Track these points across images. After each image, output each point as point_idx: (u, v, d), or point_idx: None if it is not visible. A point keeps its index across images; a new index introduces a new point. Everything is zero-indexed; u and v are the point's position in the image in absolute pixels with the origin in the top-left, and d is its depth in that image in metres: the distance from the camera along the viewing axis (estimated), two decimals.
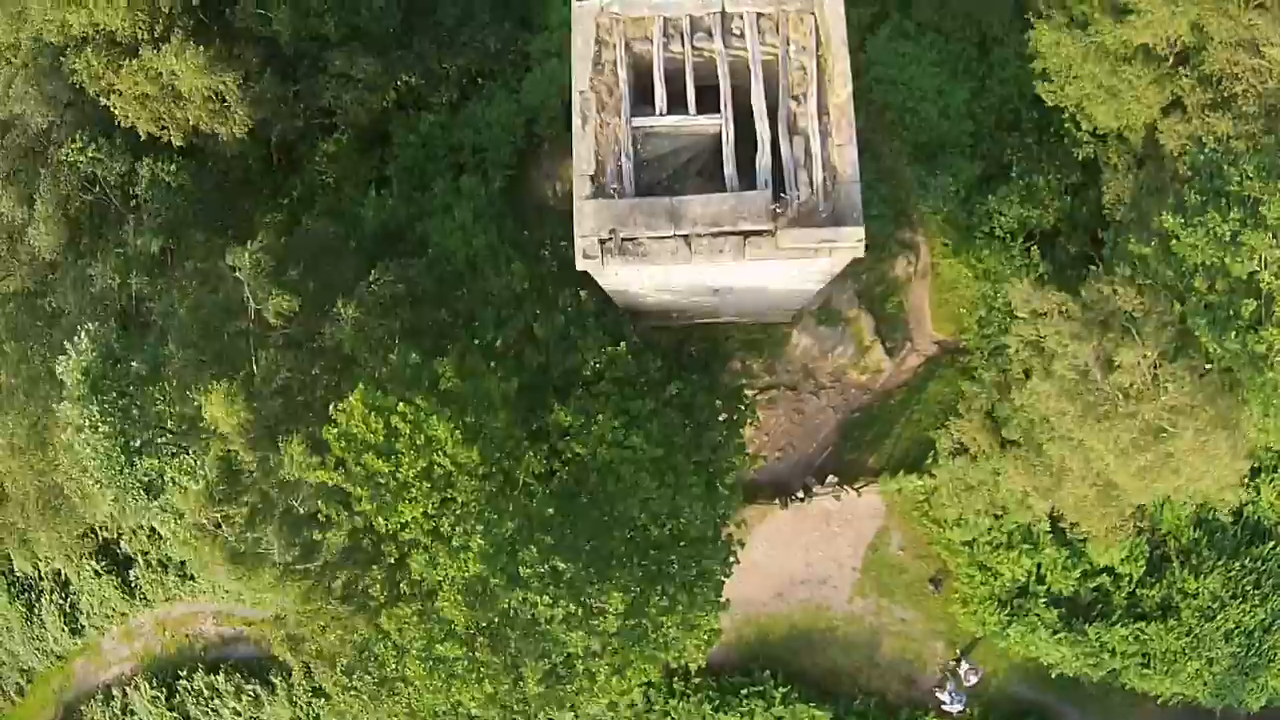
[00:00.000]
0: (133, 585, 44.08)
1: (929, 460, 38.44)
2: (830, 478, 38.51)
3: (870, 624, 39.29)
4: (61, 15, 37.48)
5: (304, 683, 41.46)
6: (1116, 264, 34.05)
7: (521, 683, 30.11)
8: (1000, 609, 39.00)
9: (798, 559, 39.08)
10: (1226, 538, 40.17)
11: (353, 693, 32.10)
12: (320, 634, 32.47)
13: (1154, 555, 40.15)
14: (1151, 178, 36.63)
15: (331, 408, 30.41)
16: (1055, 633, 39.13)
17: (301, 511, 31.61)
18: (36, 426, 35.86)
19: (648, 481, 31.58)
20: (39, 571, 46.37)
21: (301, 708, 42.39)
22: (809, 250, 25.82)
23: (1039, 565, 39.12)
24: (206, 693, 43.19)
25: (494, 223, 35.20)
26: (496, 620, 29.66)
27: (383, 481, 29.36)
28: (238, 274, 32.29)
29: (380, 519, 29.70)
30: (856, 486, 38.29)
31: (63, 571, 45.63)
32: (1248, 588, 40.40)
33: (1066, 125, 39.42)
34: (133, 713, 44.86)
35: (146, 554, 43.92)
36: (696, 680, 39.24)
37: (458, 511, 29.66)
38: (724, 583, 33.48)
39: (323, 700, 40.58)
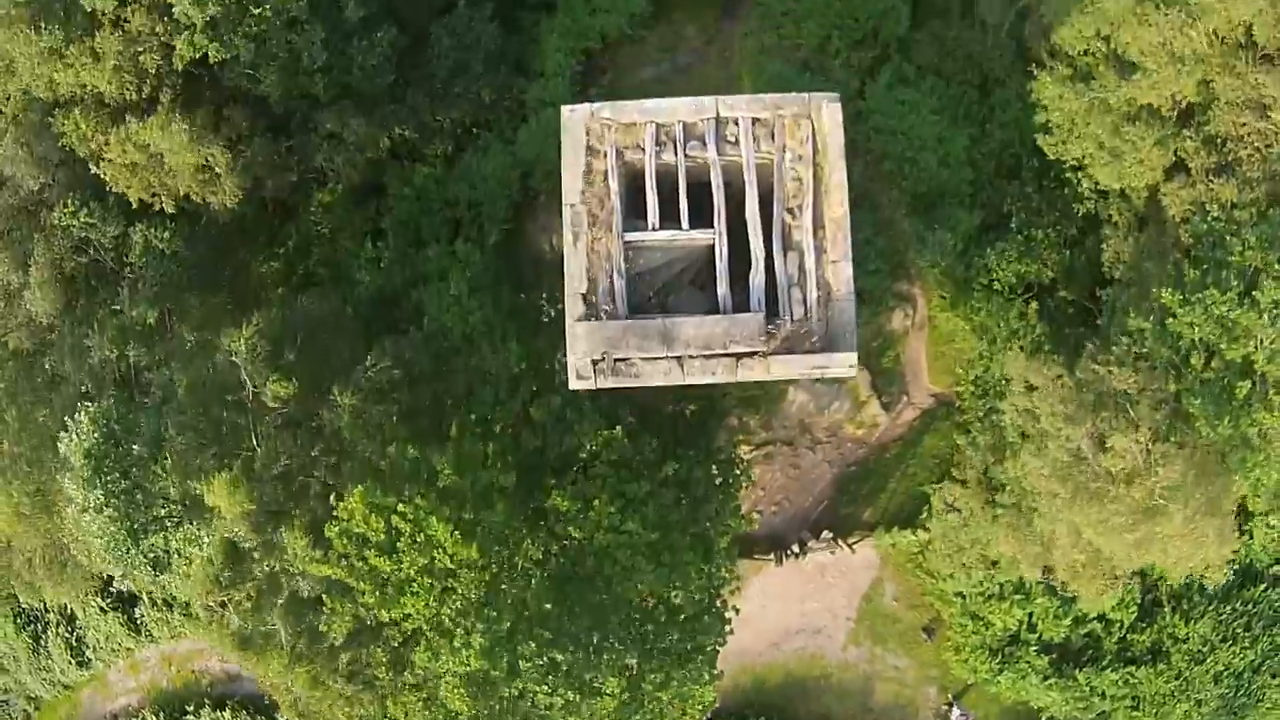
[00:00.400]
0: (138, 622, 45.69)
1: (923, 515, 39.67)
2: (825, 533, 39.78)
3: (864, 671, 40.92)
4: (49, 72, 37.80)
5: None
6: (1114, 339, 34.81)
7: None
8: (991, 657, 40.57)
9: (793, 609, 40.55)
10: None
11: None
12: (329, 710, 34.05)
13: (1145, 600, 41.57)
14: (1153, 242, 37.13)
15: (332, 497, 31.67)
16: (1046, 679, 40.74)
17: (307, 595, 33.02)
18: (41, 493, 37.10)
19: (644, 564, 32.87)
20: (45, 604, 47.98)
21: None
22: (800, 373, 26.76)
23: (1030, 614, 40.58)
24: None
25: (490, 293, 35.89)
26: (498, 708, 31.22)
27: (385, 577, 30.69)
28: (234, 359, 33.21)
29: (383, 611, 31.08)
30: (851, 542, 39.61)
31: (68, 606, 47.24)
32: (1238, 630, 41.92)
33: (1068, 175, 39.84)
34: None
35: (151, 592, 45.44)
36: None
37: (458, 603, 31.02)
38: (718, 653, 34.98)
39: None
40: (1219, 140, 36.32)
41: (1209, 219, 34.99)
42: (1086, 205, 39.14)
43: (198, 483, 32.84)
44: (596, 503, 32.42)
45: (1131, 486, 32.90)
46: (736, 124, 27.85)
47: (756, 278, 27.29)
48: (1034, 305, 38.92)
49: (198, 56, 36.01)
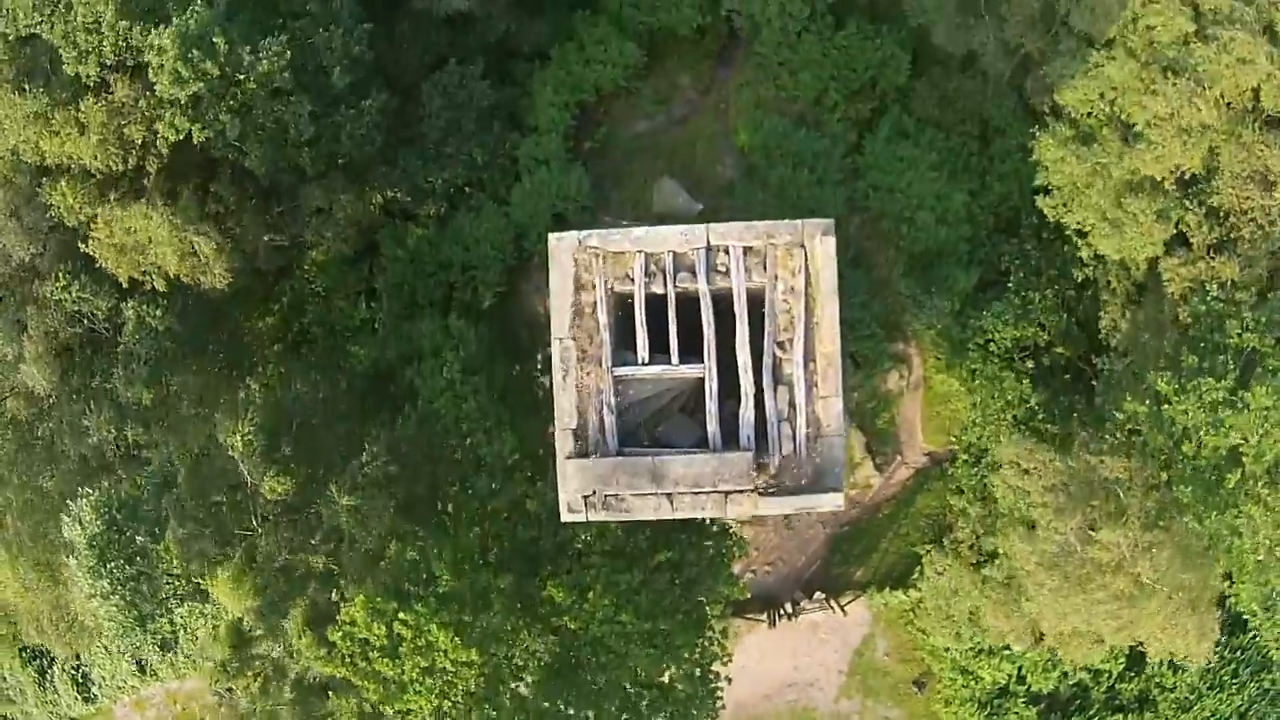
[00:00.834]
0: (143, 663, 47.76)
1: (915, 575, 41.29)
2: (818, 594, 41.45)
3: None
4: (35, 137, 38.32)
5: None
6: (1108, 427, 35.91)
7: None
8: (981, 710, 42.55)
9: (786, 664, 42.43)
10: None
11: None
12: None
13: (1134, 650, 43.42)
14: (1150, 317, 37.93)
15: (334, 594, 33.37)
16: None
17: (312, 681, 34.90)
18: (47, 566, 38.75)
19: (638, 651, 34.61)
20: None
21: None
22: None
23: (1020, 668, 42.49)
24: None
25: (484, 375, 36.86)
26: None
27: (389, 677, 32.49)
28: (230, 453, 34.51)
29: (387, 706, 32.97)
30: (843, 603, 41.28)
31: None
32: (1225, 678, 43.87)
33: (1068, 233, 40.49)
34: None
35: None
36: None
37: (459, 698, 32.87)
38: None
39: None
40: (1221, 213, 36.84)
41: (1208, 298, 35.58)
42: (1085, 271, 39.86)
43: (200, 567, 34.46)
44: (591, 594, 33.99)
45: (1117, 575, 34.44)
46: (727, 253, 28.58)
47: (746, 413, 28.30)
48: (1028, 382, 39.71)
49: (181, 138, 36.56)
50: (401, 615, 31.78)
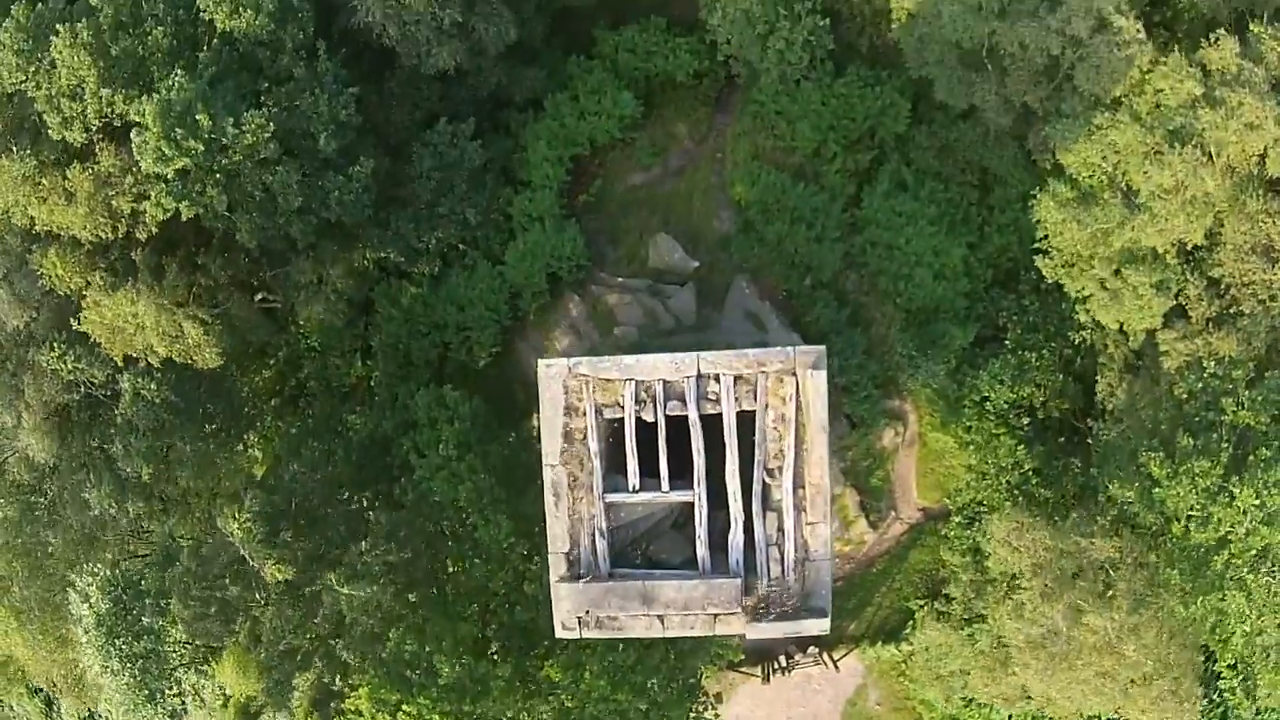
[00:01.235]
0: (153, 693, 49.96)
1: (907, 629, 43.04)
2: (811, 648, 43.21)
3: None
4: (25, 200, 39.05)
5: None
6: (1100, 496, 37.20)
7: None
8: None
9: (779, 714, 44.39)
10: None
11: None
12: None
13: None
14: (1147, 388, 38.89)
15: (338, 678, 35.24)
16: None
17: None
18: (56, 631, 40.57)
19: None
20: None
21: None
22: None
23: (1010, 716, 44.49)
24: None
25: (479, 453, 38.04)
26: None
27: None
28: (230, 539, 36.07)
29: None
30: (836, 658, 43.10)
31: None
32: None
33: (1066, 290, 41.27)
34: None
35: None
36: None
37: None
38: None
39: None
40: (1222, 285, 37.53)
41: (1205, 374, 36.46)
42: (1083, 335, 40.70)
43: (205, 644, 36.31)
44: (587, 674, 35.79)
45: (1103, 655, 36.16)
46: (718, 380, 29.64)
47: (735, 538, 29.63)
48: (1023, 448, 40.78)
49: (168, 216, 37.26)
50: (405, 707, 33.61)
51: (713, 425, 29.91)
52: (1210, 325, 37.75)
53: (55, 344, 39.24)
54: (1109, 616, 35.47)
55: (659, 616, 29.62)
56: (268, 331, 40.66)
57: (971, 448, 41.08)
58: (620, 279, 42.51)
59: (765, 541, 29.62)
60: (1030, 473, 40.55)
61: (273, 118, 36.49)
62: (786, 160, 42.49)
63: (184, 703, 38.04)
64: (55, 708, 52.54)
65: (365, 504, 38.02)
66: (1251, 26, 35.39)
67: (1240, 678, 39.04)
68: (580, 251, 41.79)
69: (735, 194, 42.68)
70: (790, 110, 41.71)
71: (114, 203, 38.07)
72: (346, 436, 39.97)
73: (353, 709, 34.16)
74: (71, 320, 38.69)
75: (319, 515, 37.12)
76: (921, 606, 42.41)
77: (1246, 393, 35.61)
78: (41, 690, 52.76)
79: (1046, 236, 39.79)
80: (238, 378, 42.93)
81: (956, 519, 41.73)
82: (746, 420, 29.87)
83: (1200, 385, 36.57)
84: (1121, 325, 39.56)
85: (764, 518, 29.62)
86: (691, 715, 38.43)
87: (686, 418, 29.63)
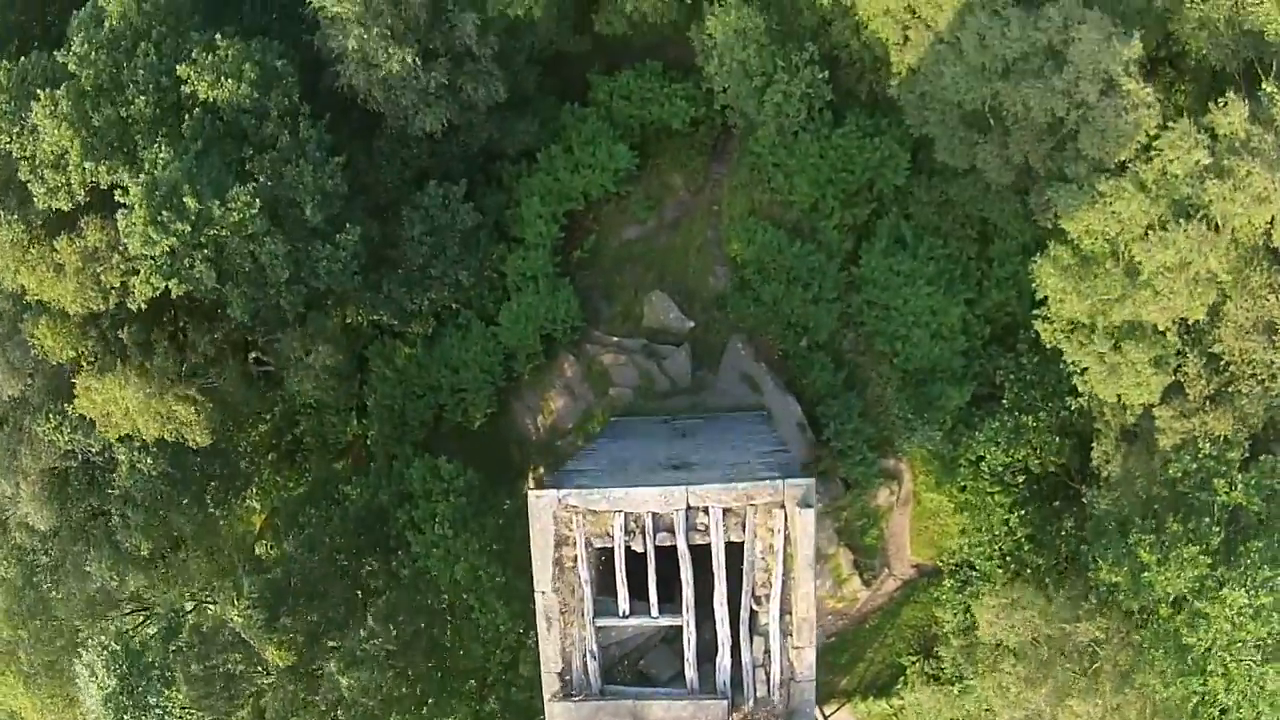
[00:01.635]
0: None
1: (899, 684, 44.75)
2: None
3: None
4: (15, 267, 39.77)
5: None
6: (1089, 573, 38.36)
7: None
8: None
9: None
10: None
11: None
12: None
13: None
14: (1141, 462, 39.79)
15: None
16: None
17: None
18: (66, 697, 42.42)
19: None
20: None
21: None
22: None
23: None
24: None
25: (475, 531, 39.27)
26: None
27: None
28: (230, 625, 37.63)
29: None
30: (828, 714, 44.93)
31: None
32: None
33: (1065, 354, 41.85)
34: None
35: None
36: None
37: None
38: None
39: None
40: (1222, 363, 38.05)
41: (1199, 455, 37.37)
42: (1080, 402, 41.42)
43: None
44: None
45: None
46: (707, 512, 30.73)
47: (722, 660, 30.96)
48: (1015, 516, 41.82)
49: (157, 295, 37.93)
50: None
51: (701, 549, 31.06)
52: (1208, 403, 38.32)
53: (51, 414, 40.28)
54: (1094, 701, 36.99)
55: None
56: (260, 402, 41.56)
57: (965, 512, 42.17)
58: (616, 339, 43.06)
59: (752, 663, 30.93)
60: (1023, 540, 41.68)
61: (259, 189, 36.70)
62: (783, 215, 42.54)
63: None
64: None
65: (365, 575, 39.33)
66: (1264, 85, 34.48)
67: None
68: (574, 313, 42.27)
69: (731, 251, 42.96)
70: (788, 164, 41.56)
71: (103, 278, 38.66)
72: (344, 505, 41.18)
73: None
74: (66, 390, 39.60)
75: (318, 592, 38.52)
76: (913, 663, 43.90)
77: (1239, 475, 36.49)
78: None
79: (1046, 300, 40.25)
80: (235, 433, 43.94)
81: (949, 582, 43.04)
82: (735, 548, 30.99)
83: (1195, 465, 37.39)
84: (1120, 397, 40.34)
85: (751, 641, 30.92)
86: None
87: (675, 547, 30.79)
